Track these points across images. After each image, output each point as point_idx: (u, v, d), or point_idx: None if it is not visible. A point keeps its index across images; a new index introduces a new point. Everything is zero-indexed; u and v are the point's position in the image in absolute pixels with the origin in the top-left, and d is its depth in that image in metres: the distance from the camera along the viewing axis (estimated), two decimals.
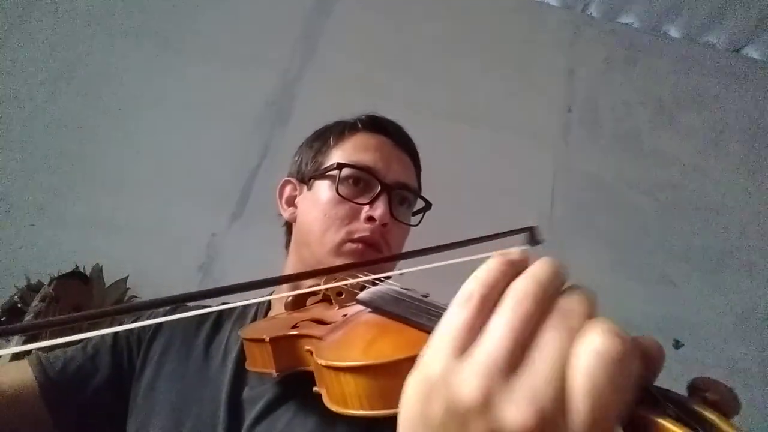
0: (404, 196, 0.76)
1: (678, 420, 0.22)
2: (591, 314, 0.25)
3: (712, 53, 2.17)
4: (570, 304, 0.25)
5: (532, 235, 0.56)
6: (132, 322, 0.73)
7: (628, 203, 1.88)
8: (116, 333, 0.71)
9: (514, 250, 0.29)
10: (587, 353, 0.22)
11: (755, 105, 2.07)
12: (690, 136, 2.01)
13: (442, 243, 0.54)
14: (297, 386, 0.56)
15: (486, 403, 0.23)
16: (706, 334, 1.68)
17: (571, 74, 2.06)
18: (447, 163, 1.77)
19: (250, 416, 0.58)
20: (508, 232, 0.55)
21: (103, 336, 0.71)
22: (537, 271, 0.27)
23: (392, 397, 0.32)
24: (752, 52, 2.17)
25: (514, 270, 0.27)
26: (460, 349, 0.25)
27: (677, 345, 1.65)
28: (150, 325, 0.72)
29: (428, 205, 0.82)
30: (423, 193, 0.83)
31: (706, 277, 1.78)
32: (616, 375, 0.22)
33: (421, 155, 0.84)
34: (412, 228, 0.80)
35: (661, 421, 0.22)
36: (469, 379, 0.24)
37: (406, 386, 0.27)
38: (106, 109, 1.76)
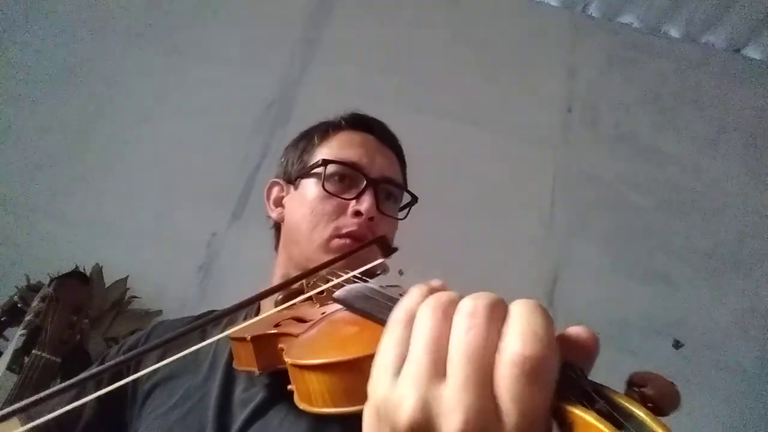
0: (390, 191, 0.77)
1: (604, 415, 0.22)
2: (499, 308, 0.25)
3: (712, 53, 2.17)
4: (472, 304, 0.25)
5: (383, 246, 0.60)
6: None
7: (628, 203, 1.87)
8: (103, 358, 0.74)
9: (435, 281, 0.31)
10: (506, 364, 0.23)
11: (755, 105, 2.06)
12: (690, 136, 2.00)
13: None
14: (287, 387, 0.57)
15: (425, 416, 0.24)
16: (706, 334, 1.68)
17: (571, 74, 2.06)
18: (447, 163, 1.77)
19: (241, 418, 0.58)
20: (361, 246, 0.62)
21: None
22: (436, 286, 0.29)
23: (355, 394, 0.32)
24: (752, 52, 2.17)
25: (431, 293, 0.29)
26: (395, 368, 0.26)
27: (677, 345, 1.64)
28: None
29: (414, 200, 0.82)
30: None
31: (706, 277, 1.78)
32: (538, 377, 0.23)
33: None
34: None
35: (587, 417, 0.22)
36: (405, 394, 0.25)
37: (363, 417, 0.28)
38: (107, 109, 1.76)
